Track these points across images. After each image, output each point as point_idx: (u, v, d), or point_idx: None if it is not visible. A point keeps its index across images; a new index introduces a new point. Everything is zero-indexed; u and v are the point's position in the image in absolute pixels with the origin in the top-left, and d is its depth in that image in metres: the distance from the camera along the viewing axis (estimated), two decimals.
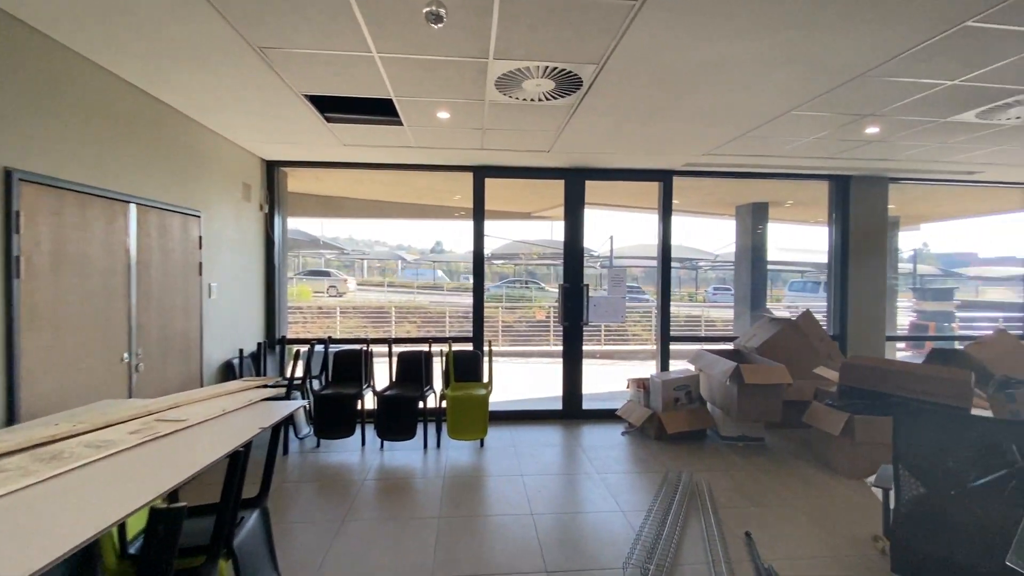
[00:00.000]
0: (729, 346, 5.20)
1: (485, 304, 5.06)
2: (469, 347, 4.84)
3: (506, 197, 6.92)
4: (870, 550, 2.65)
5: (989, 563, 1.78)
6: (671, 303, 5.23)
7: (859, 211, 5.28)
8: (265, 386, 2.73)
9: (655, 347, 5.32)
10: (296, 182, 5.82)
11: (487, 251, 5.05)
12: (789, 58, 2.44)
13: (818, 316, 5.18)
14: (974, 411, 3.44)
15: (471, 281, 4.98)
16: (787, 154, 4.35)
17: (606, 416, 4.99)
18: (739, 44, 2.30)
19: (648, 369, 5.21)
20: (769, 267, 7.68)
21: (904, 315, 10.27)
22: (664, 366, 5.13)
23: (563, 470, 3.74)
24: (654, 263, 5.32)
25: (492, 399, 4.34)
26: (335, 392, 4.18)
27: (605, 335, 10.82)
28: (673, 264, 5.26)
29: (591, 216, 5.18)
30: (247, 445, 1.78)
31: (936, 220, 8.70)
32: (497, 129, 3.67)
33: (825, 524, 2.93)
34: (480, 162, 4.73)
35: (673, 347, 5.22)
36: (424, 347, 4.61)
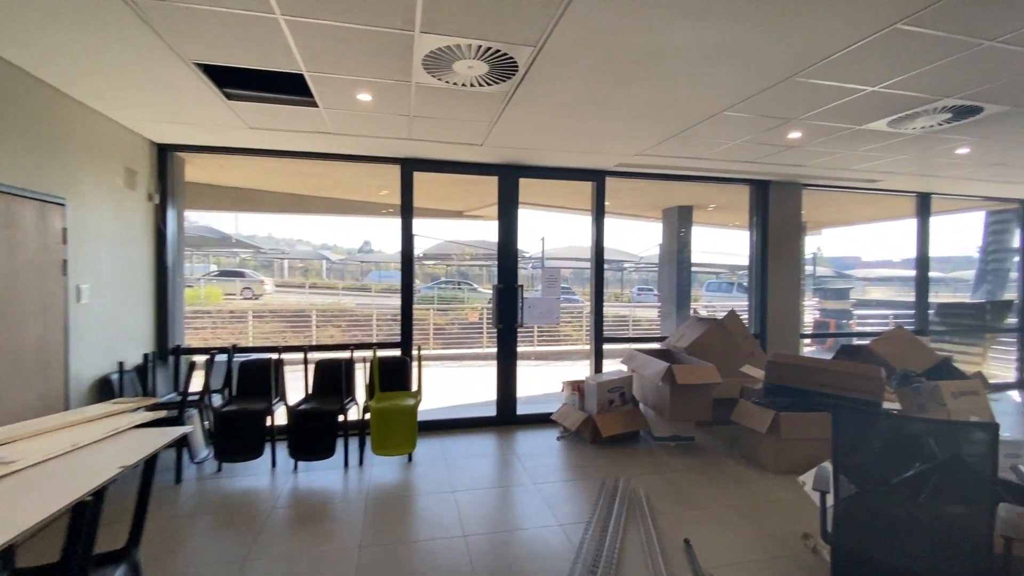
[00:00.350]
0: (659, 346, 5.24)
1: (416, 306, 4.74)
2: (397, 353, 4.50)
3: (437, 194, 6.61)
4: (802, 549, 2.67)
5: (919, 564, 1.78)
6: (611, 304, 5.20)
7: (776, 215, 5.53)
8: (144, 408, 2.27)
9: (589, 347, 5.25)
10: (197, 170, 5.17)
11: (418, 251, 4.74)
12: (728, 52, 2.38)
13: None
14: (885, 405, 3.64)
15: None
16: (714, 157, 4.43)
17: (541, 421, 4.85)
18: (681, 33, 2.20)
19: (581, 369, 5.14)
20: (699, 269, 7.97)
21: (808, 313, 11.14)
22: (598, 367, 5.07)
23: (498, 482, 3.52)
24: (584, 264, 5.25)
25: (422, 408, 4.04)
26: (240, 408, 3.68)
27: (538, 336, 10.77)
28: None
29: (524, 216, 5.02)
30: (99, 493, 1.39)
31: (837, 226, 9.47)
32: (426, 117, 3.39)
33: (759, 524, 2.94)
34: (408, 154, 4.41)
35: (605, 347, 5.19)
36: (346, 354, 4.21)
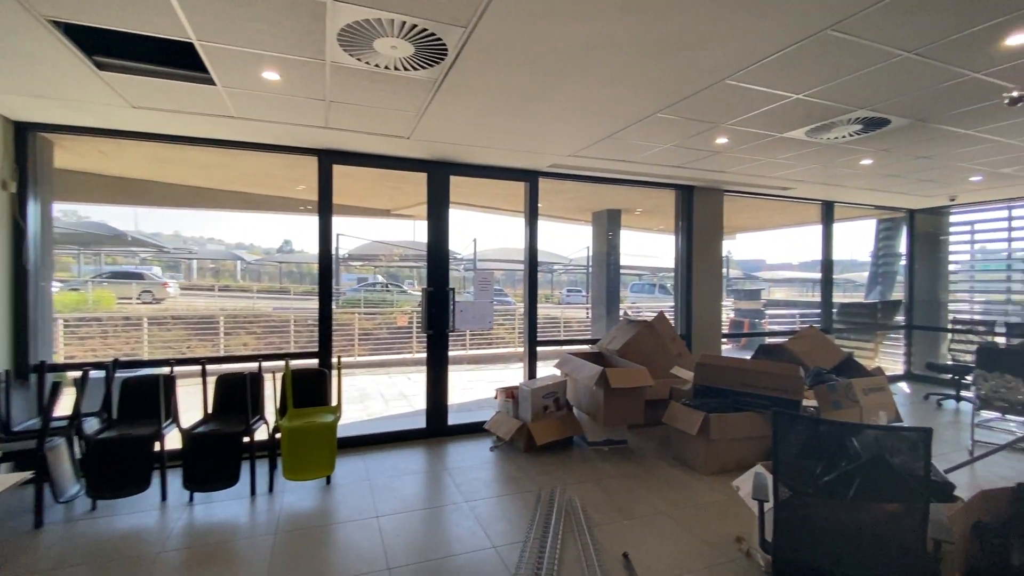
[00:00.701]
0: (592, 348, 5.21)
1: (340, 311, 4.35)
2: (314, 363, 4.10)
3: (361, 190, 6.20)
4: (738, 554, 2.66)
5: (858, 570, 1.77)
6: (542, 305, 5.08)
7: (700, 220, 5.71)
8: None
9: (522, 350, 5.12)
10: (73, 156, 4.45)
11: (343, 251, 4.34)
12: (669, 47, 2.31)
13: (654, 314, 5.47)
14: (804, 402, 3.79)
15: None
16: (644, 161, 4.45)
17: (474, 430, 4.63)
18: (623, 24, 2.09)
19: (514, 374, 4.99)
20: (625, 272, 8.12)
21: (724, 313, 11.81)
22: (532, 372, 4.94)
23: (427, 502, 3.27)
24: (516, 266, 5.12)
25: (343, 423, 3.69)
26: (120, 434, 3.15)
27: (471, 340, 10.55)
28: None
29: (456, 217, 4.79)
30: None
31: (750, 231, 10.08)
32: (346, 103, 3.07)
33: (695, 530, 2.91)
34: (326, 145, 4.03)
35: (538, 350, 5.07)
36: (253, 366, 3.75)
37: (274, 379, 3.70)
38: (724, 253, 6.17)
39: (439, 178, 4.54)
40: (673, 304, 5.98)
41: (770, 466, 2.48)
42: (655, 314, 5.40)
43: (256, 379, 3.67)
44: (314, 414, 3.63)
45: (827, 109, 3.07)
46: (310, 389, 3.82)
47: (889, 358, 7.99)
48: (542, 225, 5.20)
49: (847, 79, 2.62)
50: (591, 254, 8.31)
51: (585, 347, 5.33)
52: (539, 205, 5.06)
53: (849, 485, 1.76)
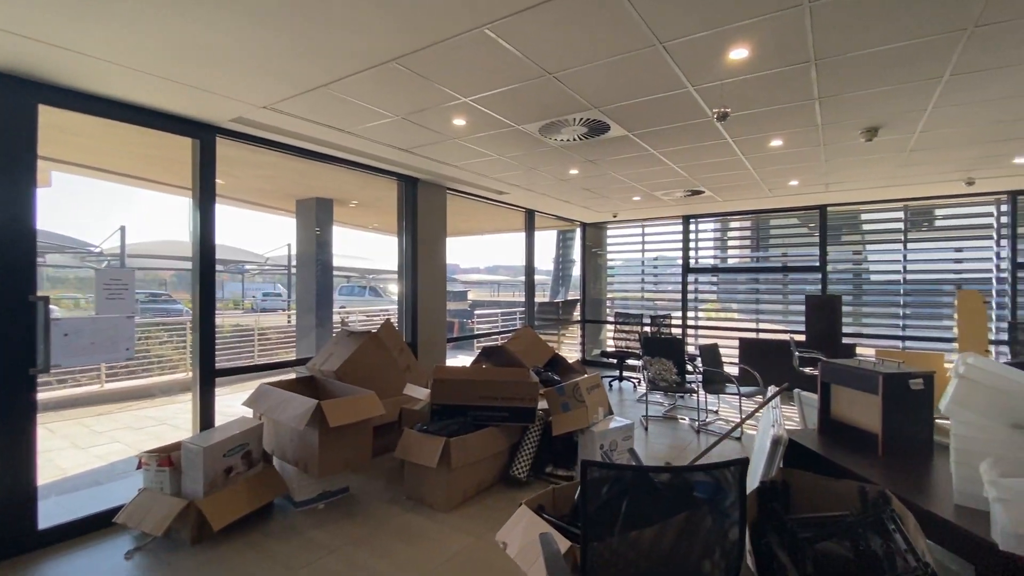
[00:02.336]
0: (300, 372, 4.06)
1: None
2: None
3: None
4: None
5: None
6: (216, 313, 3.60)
7: (425, 217, 5.23)
8: None
9: (193, 381, 3.54)
10: None
11: None
12: None
13: (368, 319, 4.77)
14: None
15: None
16: (365, 135, 3.62)
17: (95, 528, 2.87)
18: None
19: (181, 414, 3.39)
20: (335, 273, 7.02)
21: None
22: (206, 417, 3.43)
23: None
24: (186, 264, 3.54)
25: None
26: None
27: (108, 366, 7.44)
28: (217, 267, 3.65)
29: (66, 184, 2.90)
30: None
31: (464, 235, 10.38)
32: None
33: None
34: None
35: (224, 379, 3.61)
36: None
37: None
38: None
39: (15, 106, 2.62)
40: (385, 308, 5.31)
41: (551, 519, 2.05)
42: (376, 321, 4.61)
43: None
44: None
45: (566, 101, 2.91)
46: None
47: (567, 348, 9.38)
48: (230, 211, 3.75)
49: (590, 67, 2.43)
50: (295, 252, 6.91)
51: (289, 372, 4.12)
52: (221, 181, 3.61)
53: (668, 539, 1.39)
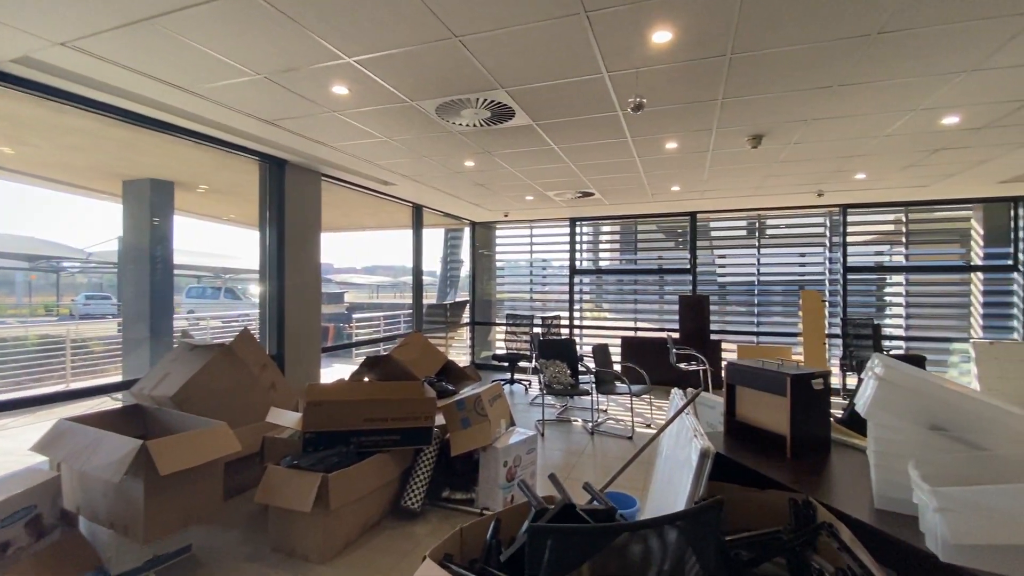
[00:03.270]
0: (124, 397, 3.14)
1: None
2: None
3: None
4: None
5: None
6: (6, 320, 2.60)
7: (296, 207, 4.48)
8: None
9: None
10: None
11: None
12: None
13: (225, 325, 3.99)
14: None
15: None
16: (217, 97, 2.89)
17: None
18: None
19: None
20: (178, 272, 5.81)
21: None
22: None
23: None
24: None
25: None
26: None
27: None
28: (9, 262, 2.62)
29: None
30: None
31: (341, 231, 9.43)
32: None
33: None
34: None
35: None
36: None
37: None
38: None
39: None
40: (247, 312, 4.48)
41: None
42: (236, 328, 3.80)
43: None
44: None
45: (472, 76, 2.54)
46: None
47: (456, 351, 9.01)
48: (27, 190, 2.77)
49: (504, 34, 2.10)
50: (121, 247, 5.59)
51: (106, 400, 3.18)
52: (7, 150, 2.61)
53: None
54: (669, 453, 2.62)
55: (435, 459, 3.27)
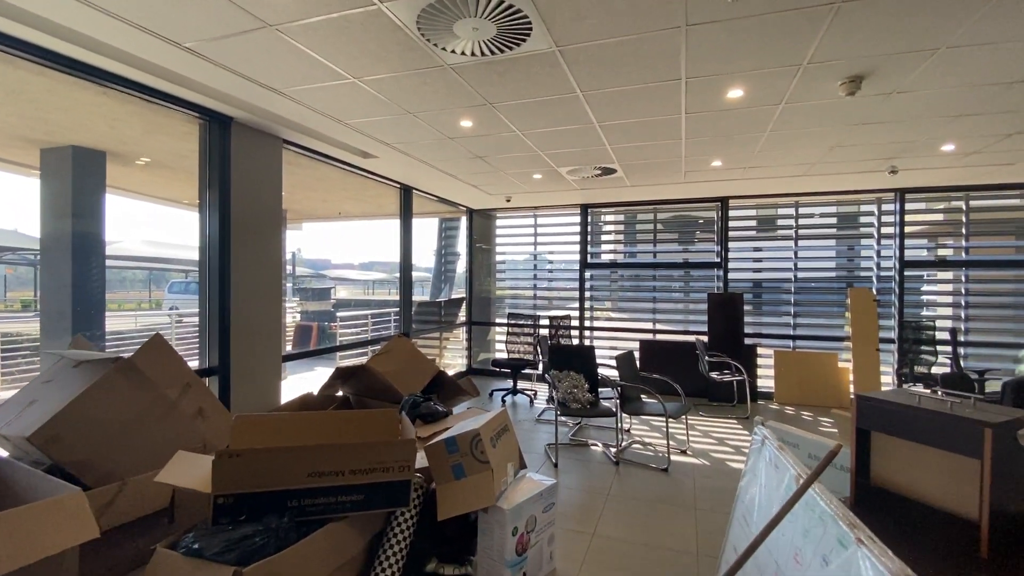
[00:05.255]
0: None
1: None
2: None
3: None
4: None
5: None
6: None
7: (244, 179, 3.53)
8: None
9: None
10: None
11: None
12: None
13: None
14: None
15: None
16: (110, 8, 1.94)
17: None
18: None
19: None
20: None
21: (288, 317, 9.77)
22: None
23: None
24: None
25: None
26: None
27: None
28: None
29: None
30: None
31: (320, 220, 8.48)
32: None
33: None
34: None
35: None
36: None
37: None
38: (293, 250, 4.18)
39: None
40: (198, 311, 3.54)
41: None
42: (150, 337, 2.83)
43: None
44: None
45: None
46: None
47: (451, 354, 8.07)
48: None
49: None
50: (43, 232, 4.61)
51: None
52: None
53: None
54: (750, 503, 1.70)
55: (416, 517, 2.34)
